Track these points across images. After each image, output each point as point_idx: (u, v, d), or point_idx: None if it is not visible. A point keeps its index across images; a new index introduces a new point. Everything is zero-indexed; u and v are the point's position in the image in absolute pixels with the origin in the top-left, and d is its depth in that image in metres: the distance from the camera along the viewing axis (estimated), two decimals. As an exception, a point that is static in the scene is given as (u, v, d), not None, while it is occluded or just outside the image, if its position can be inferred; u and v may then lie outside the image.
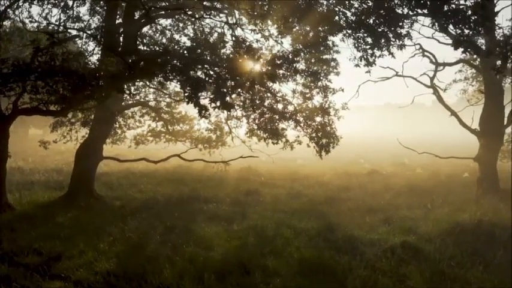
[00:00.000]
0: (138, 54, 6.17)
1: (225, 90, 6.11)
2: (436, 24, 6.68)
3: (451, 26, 6.58)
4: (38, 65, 6.67)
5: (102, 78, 6.28)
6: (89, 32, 9.85)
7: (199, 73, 6.44)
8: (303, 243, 7.46)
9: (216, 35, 12.87)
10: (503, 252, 6.28)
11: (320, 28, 9.25)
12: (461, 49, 6.77)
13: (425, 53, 14.23)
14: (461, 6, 6.48)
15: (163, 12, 11.34)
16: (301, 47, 11.09)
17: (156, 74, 6.08)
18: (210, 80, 6.14)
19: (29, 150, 26.22)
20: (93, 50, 12.30)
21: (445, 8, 6.43)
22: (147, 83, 13.54)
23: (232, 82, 6.86)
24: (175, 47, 10.89)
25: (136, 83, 14.42)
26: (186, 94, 5.99)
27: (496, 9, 12.59)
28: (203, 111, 5.97)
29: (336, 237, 7.70)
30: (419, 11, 6.95)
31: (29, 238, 7.52)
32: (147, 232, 8.06)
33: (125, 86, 7.28)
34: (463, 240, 6.97)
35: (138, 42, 13.59)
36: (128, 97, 14.65)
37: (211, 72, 6.38)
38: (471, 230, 7.24)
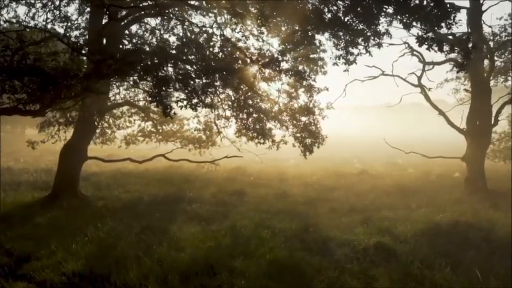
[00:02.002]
0: (105, 53, 6.12)
1: (190, 88, 6.05)
2: (403, 21, 6.60)
3: (414, 23, 6.50)
4: (9, 64, 6.64)
5: (71, 78, 6.25)
6: (52, 32, 9.69)
7: (170, 71, 6.40)
8: (278, 244, 7.39)
9: (203, 34, 12.76)
10: (474, 253, 6.19)
11: (303, 27, 9.14)
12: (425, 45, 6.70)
13: (414, 52, 14.18)
14: (424, 2, 6.38)
15: (147, 11, 11.28)
16: (287, 45, 11.04)
17: (127, 73, 6.03)
18: (180, 79, 6.08)
19: (24, 150, 26.20)
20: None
21: (411, 5, 6.34)
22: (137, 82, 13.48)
23: (207, 81, 6.81)
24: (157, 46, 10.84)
25: (123, 83, 14.39)
26: (149, 93, 5.95)
27: (483, 8, 12.62)
28: (168, 110, 5.92)
29: (311, 238, 7.64)
30: (386, 7, 6.85)
31: (3, 239, 7.49)
32: (122, 232, 8.02)
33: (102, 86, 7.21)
34: (437, 241, 6.88)
35: (127, 42, 13.60)
36: (117, 96, 14.72)
37: (181, 71, 6.33)
38: (447, 231, 7.16)
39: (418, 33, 6.69)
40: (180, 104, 5.96)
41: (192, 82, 6.12)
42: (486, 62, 13.32)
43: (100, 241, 7.43)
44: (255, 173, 17.46)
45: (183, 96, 6.68)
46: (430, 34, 6.58)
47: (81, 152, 11.63)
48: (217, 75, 6.92)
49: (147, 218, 9.27)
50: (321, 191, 13.21)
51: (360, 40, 7.76)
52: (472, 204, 9.89)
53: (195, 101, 6.02)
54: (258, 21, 9.23)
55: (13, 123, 34.19)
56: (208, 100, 8.10)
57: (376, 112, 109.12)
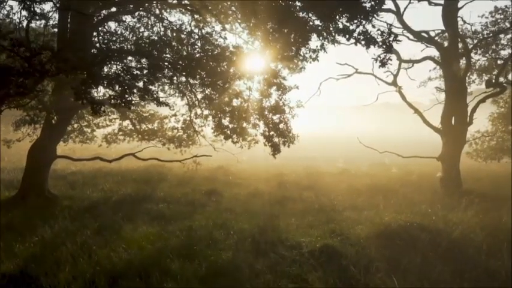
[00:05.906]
0: (32, 50, 5.97)
1: (124, 86, 5.91)
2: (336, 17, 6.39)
3: (333, 15, 6.27)
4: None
5: (13, 75, 6.13)
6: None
7: (112, 68, 6.28)
8: (227, 246, 7.23)
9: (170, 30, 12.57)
10: (414, 257, 5.99)
11: (263, 23, 8.95)
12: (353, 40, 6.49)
13: (392, 50, 13.92)
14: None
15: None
16: (260, 43, 10.88)
17: (63, 71, 5.89)
18: (113, 76, 5.94)
19: (12, 149, 26.22)
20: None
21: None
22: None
23: (151, 77, 6.67)
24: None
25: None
26: (75, 91, 5.79)
27: (459, 5, 12.34)
28: (97, 108, 5.77)
29: (263, 240, 7.45)
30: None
31: (-50, 239, 7.38)
32: (74, 233, 7.89)
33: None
34: (385, 243, 6.68)
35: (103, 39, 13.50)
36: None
37: (125, 68, 6.20)
38: (398, 233, 6.94)
39: (343, 28, 6.48)
40: (113, 101, 5.83)
41: (128, 79, 5.97)
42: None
43: (47, 242, 7.31)
44: (236, 173, 17.31)
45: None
46: (361, 28, 6.39)
47: (49, 151, 11.52)
48: (165, 71, 6.76)
49: (106, 218, 9.15)
50: (295, 190, 13.04)
51: (314, 36, 7.54)
52: (438, 204, 9.61)
53: (122, 98, 5.84)
54: (220, 17, 9.10)
55: (6, 123, 34.23)
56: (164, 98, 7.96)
57: (374, 112, 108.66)
